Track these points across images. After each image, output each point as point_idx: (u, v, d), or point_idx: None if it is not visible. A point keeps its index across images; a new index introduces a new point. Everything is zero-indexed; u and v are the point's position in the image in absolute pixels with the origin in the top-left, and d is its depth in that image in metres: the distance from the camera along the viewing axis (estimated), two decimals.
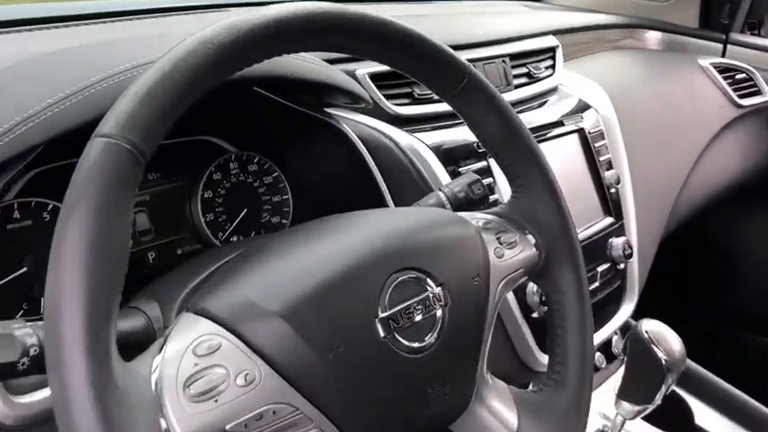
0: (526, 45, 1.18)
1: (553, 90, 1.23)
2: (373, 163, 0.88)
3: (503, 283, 0.65)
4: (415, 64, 0.63)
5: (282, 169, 0.97)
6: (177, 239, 0.90)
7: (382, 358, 0.53)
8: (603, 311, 1.12)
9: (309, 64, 0.81)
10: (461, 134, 0.98)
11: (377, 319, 0.54)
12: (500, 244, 0.67)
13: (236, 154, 0.94)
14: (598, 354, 1.12)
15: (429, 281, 0.58)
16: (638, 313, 1.17)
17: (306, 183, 0.97)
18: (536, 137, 1.06)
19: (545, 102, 1.20)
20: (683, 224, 1.45)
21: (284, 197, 0.98)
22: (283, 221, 0.98)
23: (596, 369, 1.11)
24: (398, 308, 0.55)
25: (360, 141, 0.88)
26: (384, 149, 0.90)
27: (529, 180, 0.70)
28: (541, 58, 1.22)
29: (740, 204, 1.70)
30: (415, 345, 0.55)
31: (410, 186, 0.90)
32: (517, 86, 1.14)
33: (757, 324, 1.62)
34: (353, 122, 0.92)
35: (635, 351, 0.95)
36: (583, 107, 1.20)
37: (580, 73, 1.31)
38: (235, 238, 0.94)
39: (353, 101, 0.87)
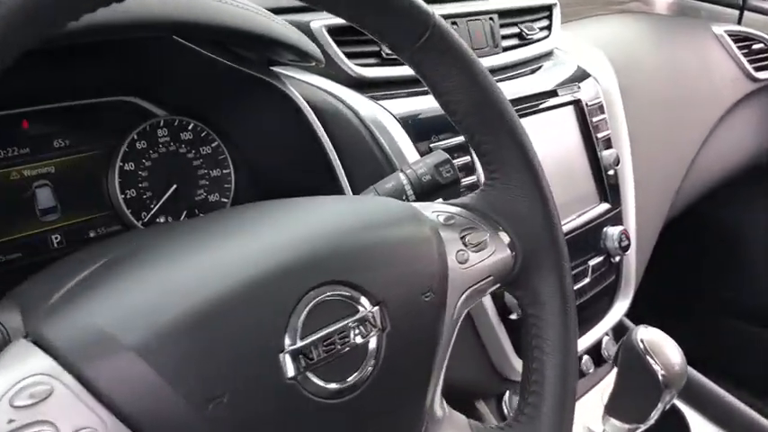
0: (518, 1, 1.02)
1: (548, 54, 1.08)
2: (325, 135, 0.74)
3: (465, 295, 0.51)
4: (362, 10, 0.48)
5: (223, 139, 0.82)
6: (89, 220, 0.76)
7: (288, 407, 0.39)
8: (594, 309, 0.99)
9: (242, 10, 0.65)
10: (421, 103, 0.83)
11: (283, 354, 0.40)
12: (464, 246, 0.53)
13: (165, 118, 0.79)
14: (586, 357, 0.99)
15: (363, 299, 0.43)
16: (633, 309, 1.04)
17: (250, 155, 0.83)
18: (525, 108, 0.93)
19: (538, 68, 1.05)
20: (686, 209, 1.30)
21: (225, 171, 0.83)
22: (223, 200, 0.84)
23: (582, 374, 0.98)
24: (315, 337, 0.41)
25: (309, 108, 0.73)
26: (340, 119, 0.75)
27: (506, 164, 0.55)
28: (536, 17, 1.07)
29: (749, 188, 1.55)
30: (336, 386, 0.41)
31: (370, 165, 0.76)
32: (506, 49, 0.98)
33: (765, 318, 1.49)
34: (305, 85, 0.77)
35: (628, 362, 0.81)
36: (581, 76, 1.05)
37: (579, 37, 1.15)
38: (162, 219, 0.79)
39: (301, 58, 0.72)
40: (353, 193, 0.76)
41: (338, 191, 0.75)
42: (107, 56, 0.71)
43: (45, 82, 0.69)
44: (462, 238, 0.53)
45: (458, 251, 0.51)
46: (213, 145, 0.82)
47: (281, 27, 0.67)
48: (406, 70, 0.83)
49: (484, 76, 0.53)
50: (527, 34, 1.02)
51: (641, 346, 0.79)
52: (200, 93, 0.77)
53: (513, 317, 0.83)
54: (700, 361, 1.08)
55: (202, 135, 0.82)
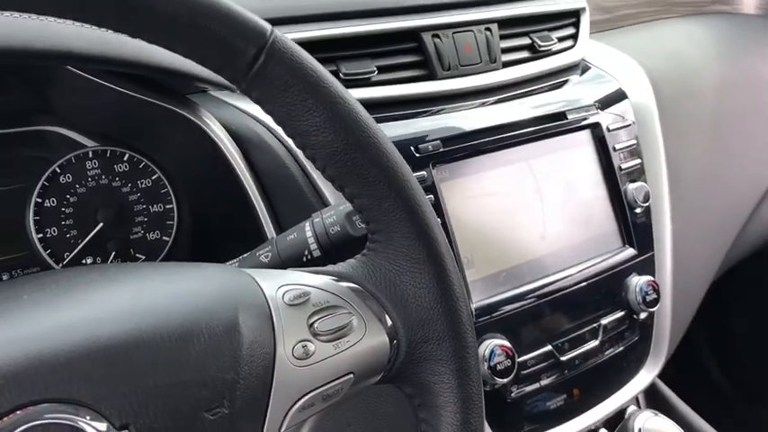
0: (530, 7, 0.87)
1: (572, 68, 0.92)
2: (243, 167, 0.64)
3: (300, 404, 0.39)
4: (180, 37, 0.37)
5: (163, 171, 0.74)
6: (3, 261, 0.69)
7: None
8: (611, 374, 0.82)
9: None
10: (392, 130, 0.70)
11: None
12: (312, 335, 0.40)
13: (95, 149, 0.72)
14: (603, 431, 0.82)
15: (96, 424, 0.32)
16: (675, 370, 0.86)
17: (188, 188, 0.73)
18: (531, 132, 0.78)
19: (560, 84, 0.89)
20: (751, 258, 1.07)
21: (167, 207, 0.75)
22: (164, 238, 0.75)
23: None
24: None
25: (226, 137, 0.63)
26: (263, 147, 0.65)
27: (389, 225, 0.43)
28: (557, 24, 0.91)
29: None
30: None
31: (299, 202, 0.64)
32: (510, 63, 0.84)
33: None
34: (231, 109, 0.67)
35: None
36: (608, 94, 0.88)
37: (618, 47, 0.98)
38: (89, 261, 0.72)
39: (212, 85, 0.62)
40: (281, 230, 0.65)
41: (259, 232, 0.64)
42: (7, 81, 0.65)
43: None
44: (311, 325, 0.40)
45: (297, 343, 0.39)
46: (153, 178, 0.74)
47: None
48: (358, 92, 0.72)
49: (349, 110, 0.41)
50: (541, 46, 0.86)
51: None
52: (121, 123, 0.69)
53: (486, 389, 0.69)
54: None
55: (140, 167, 0.73)
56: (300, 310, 0.41)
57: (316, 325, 0.40)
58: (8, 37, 0.51)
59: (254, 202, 0.63)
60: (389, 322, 0.43)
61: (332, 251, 0.54)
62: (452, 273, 0.43)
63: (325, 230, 0.54)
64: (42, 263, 0.69)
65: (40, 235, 0.69)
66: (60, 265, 0.70)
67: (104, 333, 0.34)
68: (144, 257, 0.74)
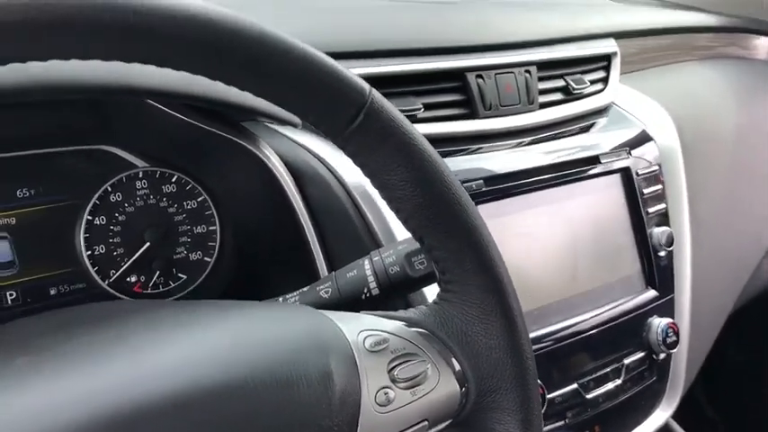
0: (567, 50, 0.90)
1: (602, 111, 0.95)
2: (299, 200, 0.66)
3: None
4: (283, 91, 0.39)
5: (209, 193, 0.75)
6: (51, 276, 0.70)
7: None
8: (626, 414, 0.84)
9: None
10: None
11: None
12: (392, 381, 0.42)
13: (144, 170, 0.73)
14: None
15: None
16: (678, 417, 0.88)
17: (233, 213, 0.75)
18: (563, 175, 0.80)
19: (589, 126, 0.92)
20: (761, 297, 1.11)
21: (210, 228, 0.76)
22: (206, 259, 0.76)
23: None
24: None
25: (283, 168, 0.65)
26: (318, 182, 0.66)
27: (464, 277, 0.45)
28: (589, 67, 0.94)
29: None
30: None
31: (351, 239, 0.66)
32: (546, 105, 0.86)
33: None
34: (286, 140, 0.69)
35: None
36: (637, 138, 0.91)
37: (644, 89, 1.01)
38: (133, 279, 0.73)
39: (273, 119, 0.64)
40: (331, 269, 0.67)
41: (310, 263, 0.66)
42: (72, 101, 0.66)
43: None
44: (391, 371, 0.42)
45: (380, 390, 0.41)
46: (199, 199, 0.76)
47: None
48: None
49: (435, 168, 0.43)
50: (574, 88, 0.89)
51: None
52: (176, 146, 0.71)
53: None
54: None
55: (187, 188, 0.75)
56: (381, 357, 0.43)
57: (395, 372, 0.42)
58: (93, 72, 0.53)
59: (308, 236, 0.64)
60: (458, 368, 0.45)
61: (390, 290, 0.56)
62: (521, 327, 0.45)
63: (385, 270, 0.55)
64: (89, 279, 0.71)
65: (89, 252, 0.71)
66: (107, 282, 0.71)
67: (204, 381, 0.35)
68: (185, 277, 0.75)
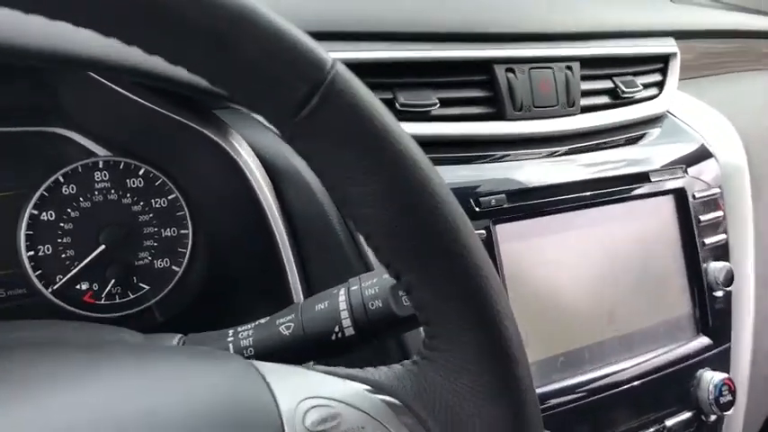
0: (617, 47, 0.77)
1: (655, 120, 0.81)
2: (273, 205, 0.54)
3: None
4: (198, 53, 0.28)
5: (182, 192, 0.64)
6: None
7: None
8: None
9: None
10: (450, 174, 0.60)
11: None
12: None
13: (106, 159, 0.62)
14: None
15: None
16: None
17: (208, 217, 0.64)
18: (604, 193, 0.68)
19: (639, 137, 0.78)
20: None
21: (182, 232, 0.65)
22: (174, 268, 0.65)
23: None
24: None
25: (255, 166, 0.54)
26: (298, 184, 0.55)
27: (452, 329, 0.32)
28: (643, 69, 0.80)
29: None
30: None
31: (335, 253, 0.54)
32: (588, 109, 0.73)
33: None
34: (264, 131, 0.58)
35: None
36: (695, 154, 0.77)
37: (702, 99, 0.87)
38: (84, 286, 0.62)
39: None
40: (309, 294, 0.55)
41: (283, 285, 0.54)
42: (19, 75, 0.56)
43: None
44: None
45: None
46: (170, 198, 0.64)
47: None
48: (423, 128, 0.62)
49: (420, 178, 0.30)
50: (624, 92, 0.76)
51: None
52: (140, 135, 0.60)
53: None
54: None
55: (156, 184, 0.64)
56: None
57: None
58: (30, 36, 0.43)
59: (282, 250, 0.53)
60: None
61: (368, 331, 0.43)
62: (533, 407, 0.32)
63: (363, 304, 0.43)
64: (30, 285, 0.60)
65: (31, 252, 0.60)
66: (50, 289, 0.61)
67: None
68: (147, 288, 0.64)
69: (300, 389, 0.32)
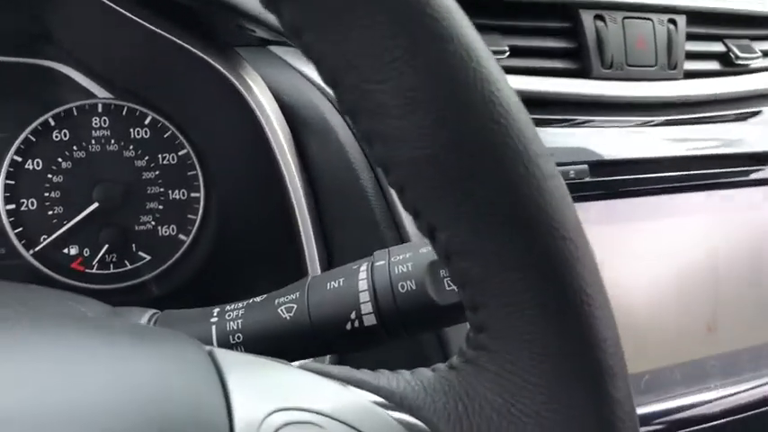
0: (736, 2, 0.65)
1: None
2: (289, 156, 0.44)
3: None
4: None
5: (193, 147, 0.55)
6: None
7: None
8: None
9: None
10: None
11: None
12: None
13: (106, 102, 0.53)
14: None
15: None
16: None
17: (221, 176, 0.54)
18: (704, 176, 0.57)
19: (751, 114, 0.67)
20: None
21: (192, 195, 0.55)
22: (180, 236, 0.55)
23: None
24: None
25: (272, 107, 0.43)
26: (323, 136, 0.46)
27: (509, 320, 0.20)
28: (764, 32, 0.69)
29: None
30: None
31: (363, 216, 0.44)
32: (692, 75, 0.61)
33: None
34: (288, 69, 0.48)
35: None
36: None
37: None
38: (73, 251, 0.53)
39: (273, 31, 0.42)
40: (330, 266, 0.45)
41: (298, 255, 0.43)
42: None
43: None
44: None
45: None
46: (180, 153, 0.55)
47: None
48: None
49: (478, 78, 0.19)
50: (739, 57, 0.64)
51: None
52: (146, 72, 0.51)
53: None
54: None
55: (165, 136, 0.54)
56: None
57: None
58: None
59: (297, 212, 0.42)
60: None
61: (394, 321, 0.32)
62: (632, 415, 0.20)
63: (391, 285, 0.32)
64: (9, 245, 0.51)
65: (12, 206, 0.51)
66: (32, 250, 0.52)
67: None
68: (149, 258, 0.54)
69: (273, 395, 0.21)
